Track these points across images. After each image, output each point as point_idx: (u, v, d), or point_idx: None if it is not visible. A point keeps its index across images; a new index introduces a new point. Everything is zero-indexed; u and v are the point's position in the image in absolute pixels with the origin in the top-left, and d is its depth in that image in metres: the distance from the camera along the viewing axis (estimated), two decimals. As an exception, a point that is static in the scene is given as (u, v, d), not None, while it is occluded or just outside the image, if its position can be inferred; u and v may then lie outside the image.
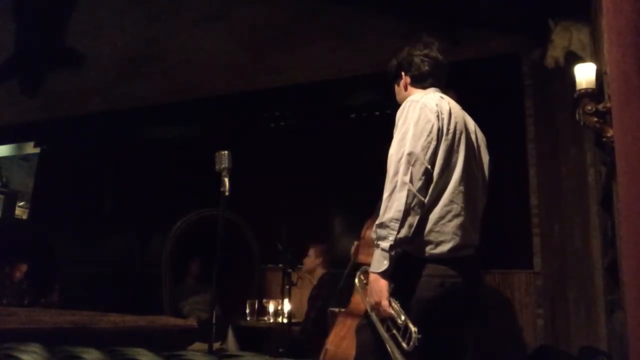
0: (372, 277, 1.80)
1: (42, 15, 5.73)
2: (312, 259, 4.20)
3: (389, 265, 1.75)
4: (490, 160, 2.09)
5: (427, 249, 1.83)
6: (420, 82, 2.07)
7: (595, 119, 2.21)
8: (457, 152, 1.90)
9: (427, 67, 2.06)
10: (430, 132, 1.83)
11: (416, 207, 1.76)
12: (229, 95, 5.27)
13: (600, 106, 2.20)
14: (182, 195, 5.25)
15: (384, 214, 1.77)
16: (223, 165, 2.65)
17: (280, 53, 4.84)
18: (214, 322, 2.60)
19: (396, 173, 1.78)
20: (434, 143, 1.83)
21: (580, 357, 2.92)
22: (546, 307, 3.92)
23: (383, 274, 1.77)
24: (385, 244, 1.75)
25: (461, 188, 1.88)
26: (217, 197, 2.64)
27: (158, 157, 5.69)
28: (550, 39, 3.35)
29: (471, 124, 2.04)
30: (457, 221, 1.86)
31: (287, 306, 4.12)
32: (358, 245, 3.28)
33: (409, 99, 1.94)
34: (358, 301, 3.05)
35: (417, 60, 2.07)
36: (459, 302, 1.89)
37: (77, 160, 6.21)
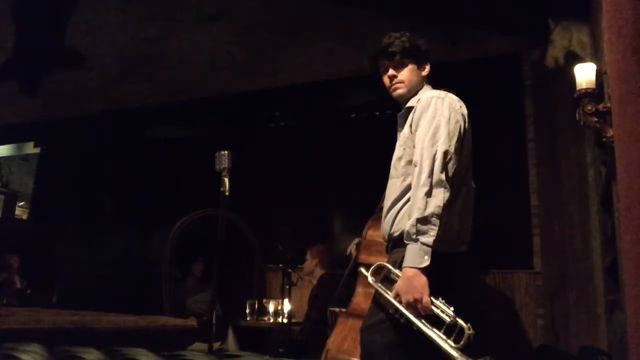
0: (410, 272, 1.73)
1: (42, 15, 5.73)
2: (309, 262, 4.21)
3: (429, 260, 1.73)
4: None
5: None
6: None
7: (595, 119, 2.21)
8: (467, 151, 1.93)
9: None
10: (460, 133, 1.86)
11: (447, 205, 1.77)
12: (229, 95, 5.26)
13: (600, 106, 2.20)
14: (182, 195, 5.25)
15: (424, 209, 1.74)
16: (223, 165, 2.66)
17: (280, 53, 4.85)
18: (214, 322, 2.60)
19: (432, 168, 1.78)
20: (459, 144, 1.86)
21: (580, 357, 2.91)
22: (546, 307, 3.92)
23: (424, 270, 1.73)
24: (428, 239, 1.72)
25: (465, 186, 1.92)
26: (217, 197, 2.64)
27: (158, 157, 5.69)
28: (550, 39, 3.35)
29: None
30: (461, 218, 1.88)
31: (287, 306, 4.12)
32: (359, 244, 3.26)
33: (433, 94, 1.94)
34: (359, 301, 3.03)
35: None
36: (458, 299, 1.89)
37: (77, 160, 6.21)
